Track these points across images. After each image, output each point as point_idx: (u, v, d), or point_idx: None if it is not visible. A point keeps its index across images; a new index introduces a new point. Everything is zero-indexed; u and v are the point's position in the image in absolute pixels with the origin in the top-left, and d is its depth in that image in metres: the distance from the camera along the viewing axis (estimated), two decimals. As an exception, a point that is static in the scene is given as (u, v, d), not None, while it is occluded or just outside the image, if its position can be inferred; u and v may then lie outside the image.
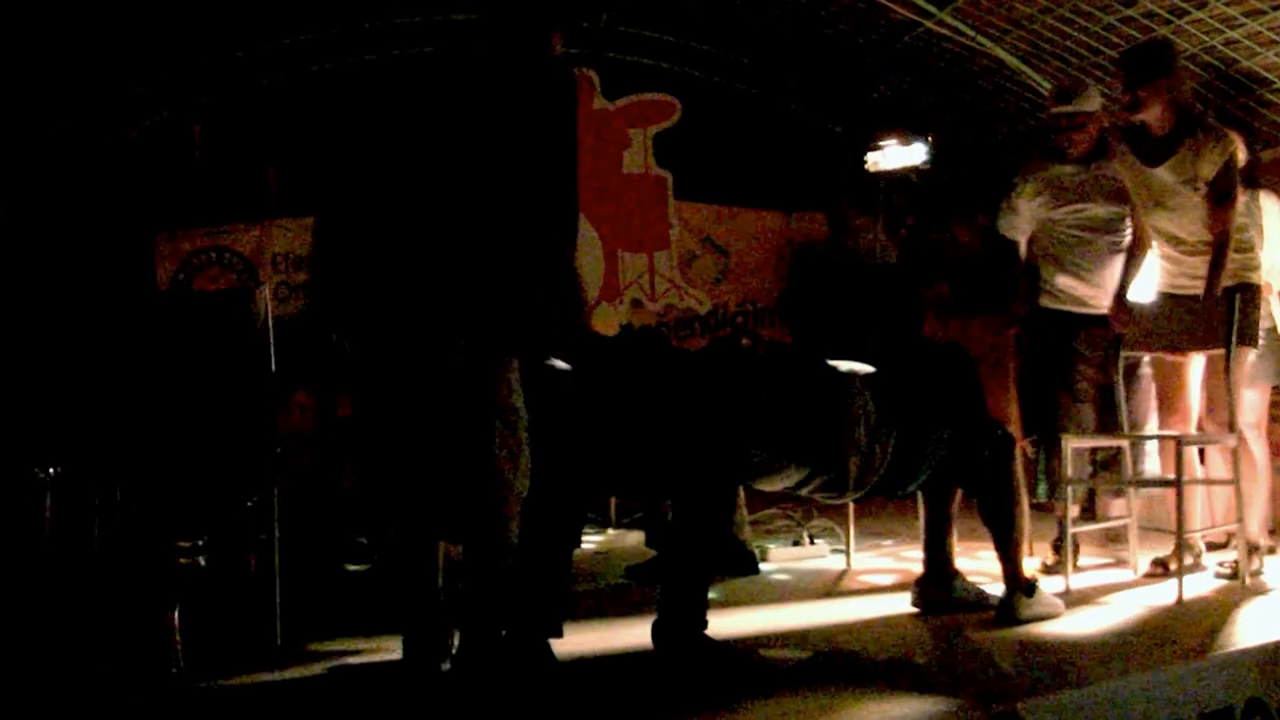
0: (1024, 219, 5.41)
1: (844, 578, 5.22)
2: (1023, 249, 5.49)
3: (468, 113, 3.37)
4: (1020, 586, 4.13)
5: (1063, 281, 5.31)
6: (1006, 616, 4.10)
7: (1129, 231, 5.24)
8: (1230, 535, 4.95)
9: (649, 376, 3.81)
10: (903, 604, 4.41)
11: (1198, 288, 4.87)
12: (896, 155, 7.67)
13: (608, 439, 3.61)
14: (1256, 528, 4.86)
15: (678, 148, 8.59)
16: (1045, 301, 5.39)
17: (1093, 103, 5.31)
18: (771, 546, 5.72)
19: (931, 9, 6.99)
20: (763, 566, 5.32)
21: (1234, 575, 4.72)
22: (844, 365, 4.08)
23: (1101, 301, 5.25)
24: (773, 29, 8.12)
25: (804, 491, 4.02)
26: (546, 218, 3.34)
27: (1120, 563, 5.18)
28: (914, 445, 3.96)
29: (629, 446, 3.67)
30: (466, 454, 3.27)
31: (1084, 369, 5.24)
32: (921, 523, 4.42)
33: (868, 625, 4.20)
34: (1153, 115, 4.88)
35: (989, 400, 4.30)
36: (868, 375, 4.09)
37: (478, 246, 3.31)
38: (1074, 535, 4.90)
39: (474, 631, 3.29)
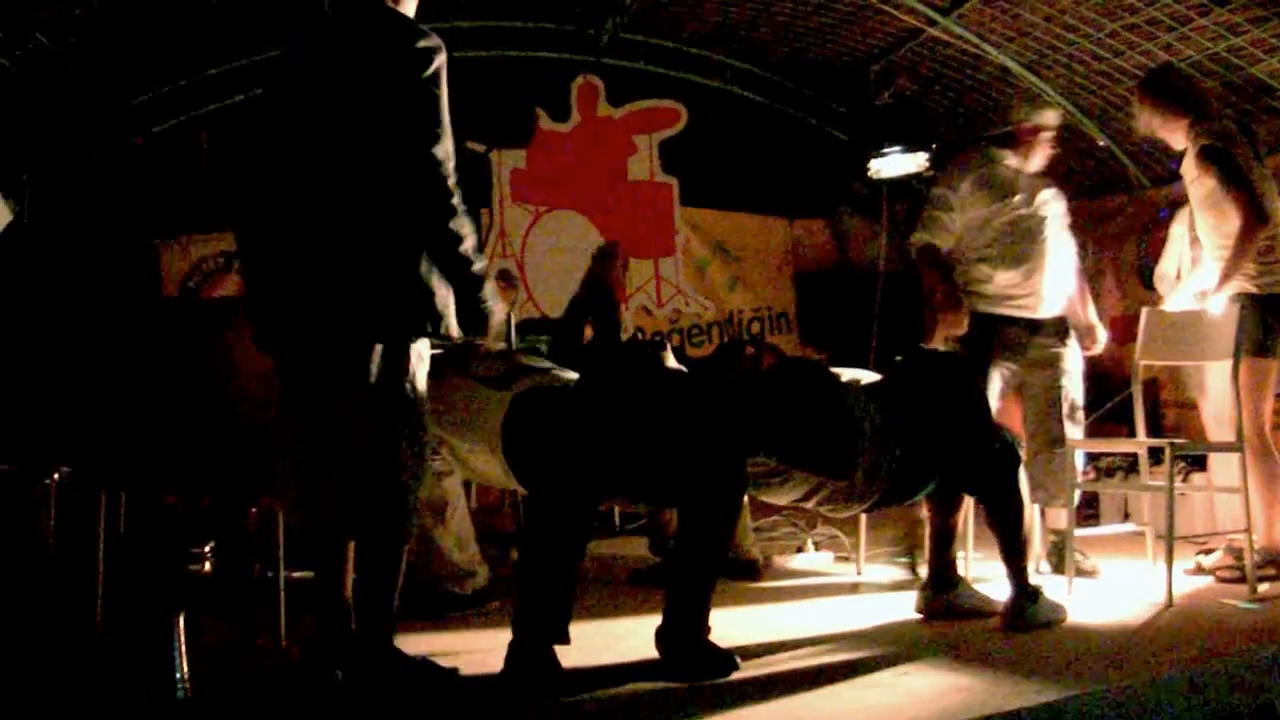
0: (956, 216, 5.25)
1: (848, 584, 5.22)
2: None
3: (322, 100, 3.26)
4: (1024, 592, 4.14)
5: (1002, 279, 5.23)
6: (1011, 621, 4.11)
7: (1049, 237, 5.26)
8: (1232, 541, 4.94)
9: (654, 384, 3.82)
10: (907, 610, 4.41)
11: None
12: (900, 162, 7.68)
13: (613, 447, 3.62)
14: (1276, 534, 4.82)
15: (683, 154, 8.60)
16: (977, 305, 5.26)
17: None
18: (775, 554, 5.72)
19: (936, 16, 7.01)
20: (766, 573, 5.33)
21: (1242, 579, 4.72)
22: (848, 374, 4.08)
23: (1034, 304, 5.23)
24: (776, 35, 8.13)
25: (811, 504, 4.02)
26: (410, 193, 3.21)
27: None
28: (919, 455, 3.97)
29: (635, 454, 3.68)
30: (376, 449, 3.25)
31: (1010, 370, 5.19)
32: (926, 529, 4.43)
33: (871, 631, 4.19)
34: (1171, 138, 4.95)
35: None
36: (871, 385, 4.10)
37: (354, 236, 3.21)
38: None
39: (368, 631, 3.31)
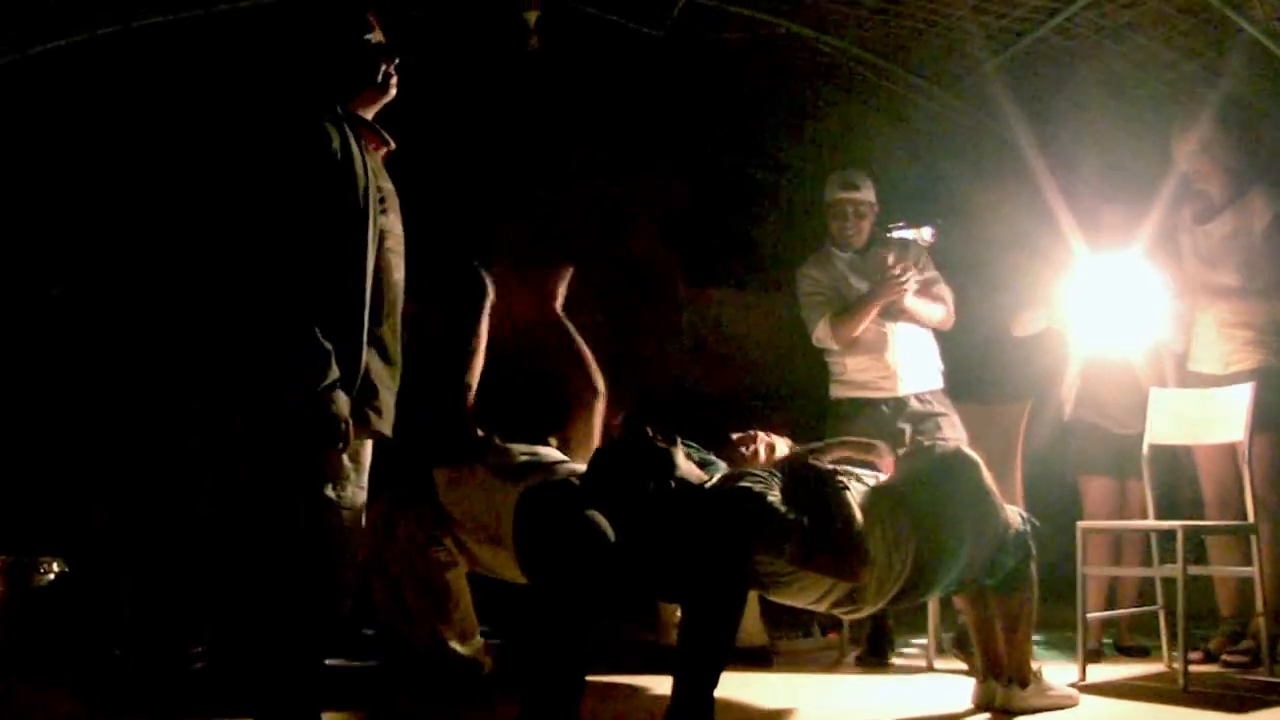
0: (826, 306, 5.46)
1: (857, 668, 5.16)
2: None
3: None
4: (1028, 677, 4.09)
5: (854, 364, 5.39)
6: (1007, 706, 4.05)
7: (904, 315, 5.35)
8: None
9: (660, 479, 3.83)
10: (912, 698, 4.38)
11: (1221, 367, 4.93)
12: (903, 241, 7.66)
13: (620, 545, 3.63)
14: None
15: (689, 231, 8.57)
16: (837, 391, 5.49)
17: (872, 193, 5.54)
18: (781, 638, 5.65)
19: (936, 89, 7.00)
20: (775, 658, 5.27)
21: (1254, 663, 4.65)
22: (855, 474, 4.07)
23: (891, 385, 5.32)
24: (787, 110, 8.13)
25: (823, 607, 3.96)
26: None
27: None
28: (932, 552, 3.90)
29: (641, 553, 3.69)
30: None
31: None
32: (969, 624, 4.33)
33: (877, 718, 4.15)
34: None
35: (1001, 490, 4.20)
36: (879, 485, 4.07)
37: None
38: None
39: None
